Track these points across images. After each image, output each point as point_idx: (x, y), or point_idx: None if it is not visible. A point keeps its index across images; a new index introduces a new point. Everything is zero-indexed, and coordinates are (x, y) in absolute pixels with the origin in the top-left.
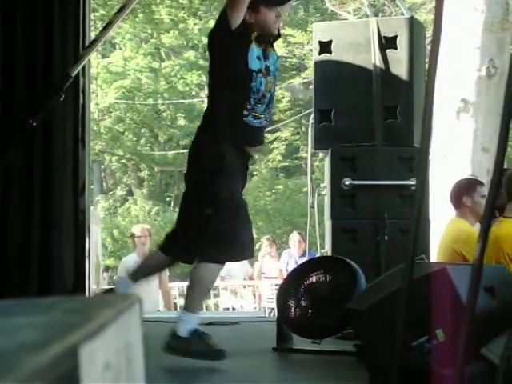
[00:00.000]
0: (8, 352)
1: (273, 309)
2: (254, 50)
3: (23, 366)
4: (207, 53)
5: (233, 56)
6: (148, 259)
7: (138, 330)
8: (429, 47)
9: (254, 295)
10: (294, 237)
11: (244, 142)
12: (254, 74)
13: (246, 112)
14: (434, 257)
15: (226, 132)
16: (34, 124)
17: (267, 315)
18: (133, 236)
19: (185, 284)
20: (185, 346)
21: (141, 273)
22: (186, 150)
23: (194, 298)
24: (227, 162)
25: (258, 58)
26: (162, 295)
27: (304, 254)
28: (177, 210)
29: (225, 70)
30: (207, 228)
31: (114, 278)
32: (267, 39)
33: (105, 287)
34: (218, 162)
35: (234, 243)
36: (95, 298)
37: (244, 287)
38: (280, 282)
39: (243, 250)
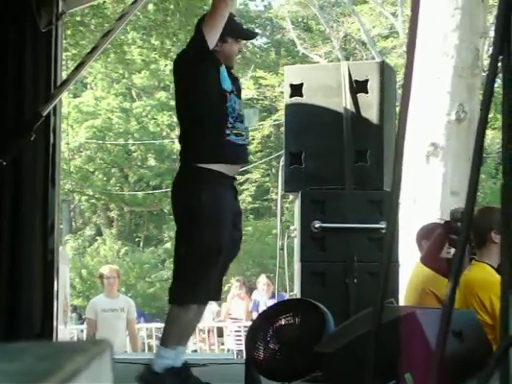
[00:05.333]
0: None
1: (240, 351)
2: (224, 71)
3: None
4: (174, 77)
5: (207, 76)
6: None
7: (109, 375)
8: (399, 91)
9: (221, 335)
10: (262, 280)
11: (231, 162)
12: (227, 94)
13: (227, 131)
14: (403, 300)
15: (211, 156)
16: (4, 163)
17: (235, 357)
18: (101, 277)
19: (153, 325)
20: (158, 382)
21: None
22: (156, 191)
23: (170, 333)
24: (211, 199)
25: (228, 79)
26: (130, 336)
27: (273, 297)
28: (145, 250)
29: (199, 92)
30: (180, 268)
31: (83, 318)
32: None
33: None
34: (200, 201)
35: (203, 285)
36: (66, 343)
37: (211, 329)
38: (247, 324)
39: (213, 292)
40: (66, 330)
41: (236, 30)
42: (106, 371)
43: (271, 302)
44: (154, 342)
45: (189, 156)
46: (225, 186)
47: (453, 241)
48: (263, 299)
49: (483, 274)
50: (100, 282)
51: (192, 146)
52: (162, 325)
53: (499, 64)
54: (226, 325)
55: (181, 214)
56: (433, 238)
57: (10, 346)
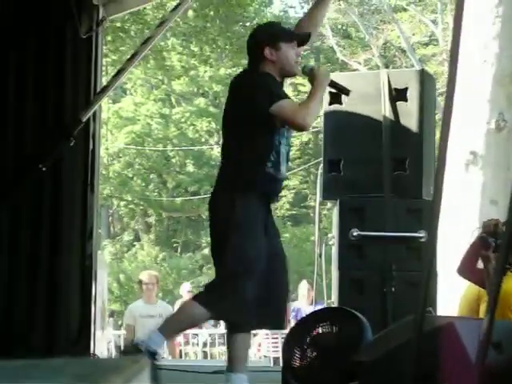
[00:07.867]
0: None
1: (277, 358)
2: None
3: None
4: (217, 100)
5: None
6: (183, 313)
7: None
8: (439, 99)
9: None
10: (303, 286)
11: (267, 194)
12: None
13: (269, 163)
14: (456, 310)
15: (249, 182)
16: (44, 169)
17: (271, 364)
18: (140, 282)
19: (190, 331)
20: None
21: (175, 328)
22: (195, 197)
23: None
24: (246, 215)
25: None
26: (167, 342)
27: (312, 304)
28: (183, 255)
29: (250, 122)
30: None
31: (120, 323)
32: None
33: (126, 345)
34: (237, 215)
35: (228, 303)
36: (103, 361)
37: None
38: (284, 331)
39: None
40: (104, 335)
41: (287, 33)
42: None
43: (310, 309)
44: (191, 349)
45: (228, 176)
46: (260, 211)
47: (484, 256)
48: (303, 306)
49: None
50: (139, 287)
51: (232, 171)
52: (199, 331)
53: None
54: (262, 332)
55: (222, 226)
56: (467, 249)
57: (49, 362)
